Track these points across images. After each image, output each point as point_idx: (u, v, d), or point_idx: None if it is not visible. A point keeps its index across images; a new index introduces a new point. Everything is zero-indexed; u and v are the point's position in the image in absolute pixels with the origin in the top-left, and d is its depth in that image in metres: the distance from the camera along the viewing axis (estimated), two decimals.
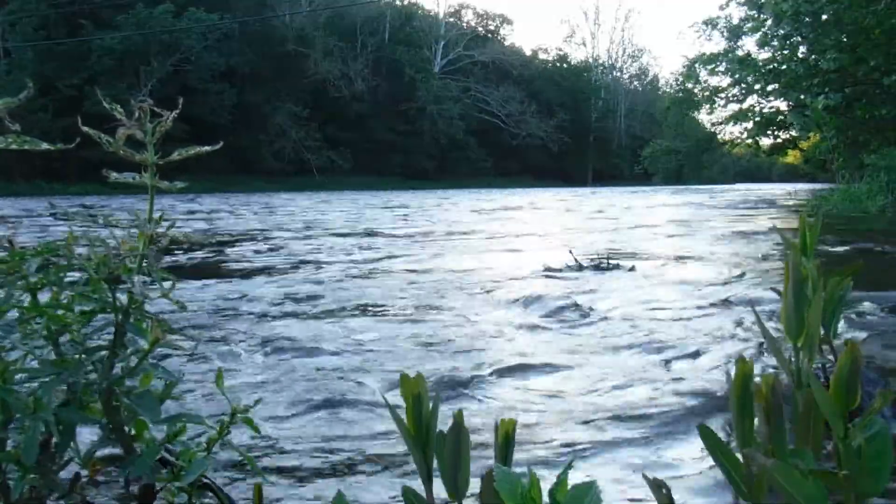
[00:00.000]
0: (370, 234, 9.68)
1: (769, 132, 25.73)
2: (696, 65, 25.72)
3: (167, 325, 1.16)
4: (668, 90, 40.18)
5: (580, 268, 5.32)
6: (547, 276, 5.01)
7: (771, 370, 2.34)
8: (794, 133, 24.56)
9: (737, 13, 25.28)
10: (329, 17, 49.49)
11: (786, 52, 20.82)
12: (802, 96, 18.41)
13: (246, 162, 41.78)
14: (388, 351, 2.80)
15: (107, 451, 1.26)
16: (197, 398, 2.16)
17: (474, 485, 1.02)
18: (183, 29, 38.83)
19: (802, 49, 20.17)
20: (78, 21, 38.08)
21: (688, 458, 1.68)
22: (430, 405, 1.01)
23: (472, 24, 64.60)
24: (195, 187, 30.65)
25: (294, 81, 46.12)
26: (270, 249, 7.41)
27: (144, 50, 38.81)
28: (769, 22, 19.95)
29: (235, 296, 4.20)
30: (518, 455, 1.43)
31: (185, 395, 2.09)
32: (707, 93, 26.33)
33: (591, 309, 3.66)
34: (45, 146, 1.13)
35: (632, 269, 5.32)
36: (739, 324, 3.20)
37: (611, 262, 5.44)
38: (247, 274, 5.36)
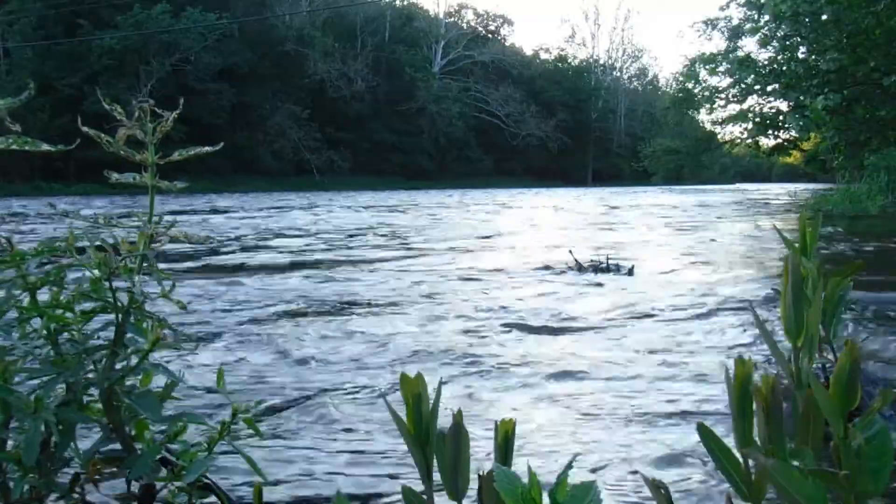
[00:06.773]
0: None
1: (769, 132, 25.73)
2: (696, 65, 25.73)
3: (167, 324, 1.16)
4: (668, 90, 40.17)
5: (580, 268, 5.32)
6: (545, 277, 5.01)
7: (769, 370, 2.34)
8: (794, 133, 24.56)
9: (737, 14, 25.31)
10: (329, 17, 49.49)
11: (786, 52, 20.82)
12: (802, 97, 18.40)
13: (245, 162, 41.75)
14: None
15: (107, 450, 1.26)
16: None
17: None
18: (182, 29, 38.82)
19: (802, 49, 20.17)
20: (76, 20, 38.07)
21: None
22: (430, 404, 1.01)
23: (473, 24, 64.59)
24: (193, 187, 30.61)
25: (293, 81, 46.10)
26: None
27: (143, 49, 38.80)
28: (769, 22, 19.95)
29: None
30: None
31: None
32: (707, 93, 26.32)
33: (584, 309, 3.66)
34: (45, 147, 1.12)
35: (631, 269, 5.32)
36: (739, 323, 3.20)
37: (610, 262, 5.44)
38: None
